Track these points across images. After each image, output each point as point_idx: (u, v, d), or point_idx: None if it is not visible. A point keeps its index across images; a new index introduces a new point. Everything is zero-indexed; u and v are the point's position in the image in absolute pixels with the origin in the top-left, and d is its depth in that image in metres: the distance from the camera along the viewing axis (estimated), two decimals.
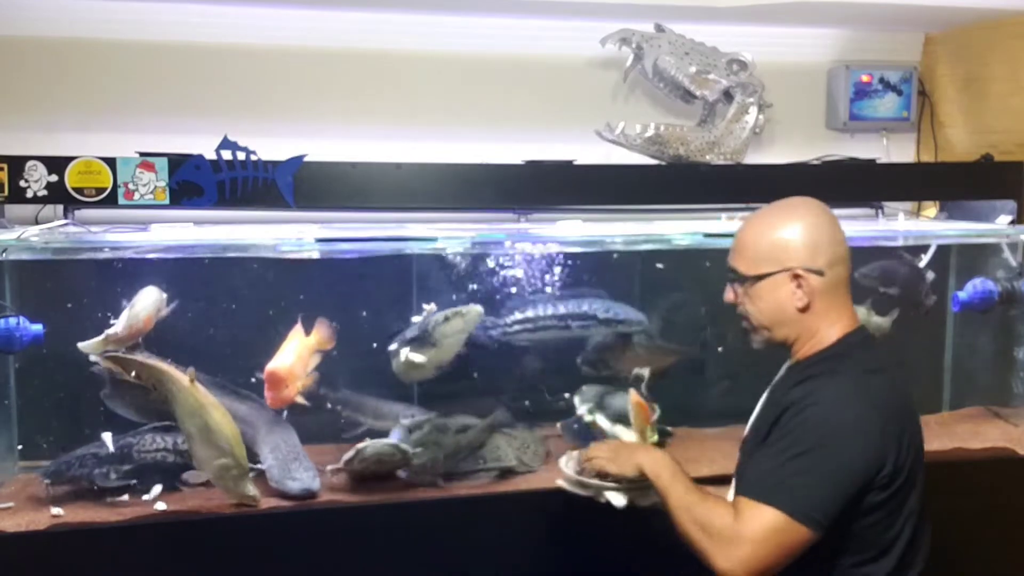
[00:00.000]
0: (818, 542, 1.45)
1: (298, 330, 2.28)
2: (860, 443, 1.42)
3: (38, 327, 2.14)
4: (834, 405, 1.45)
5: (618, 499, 1.76)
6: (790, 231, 1.53)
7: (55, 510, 2.06)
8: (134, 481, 2.16)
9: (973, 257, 2.84)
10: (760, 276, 1.55)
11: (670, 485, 1.56)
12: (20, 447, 2.38)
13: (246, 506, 2.09)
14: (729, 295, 1.63)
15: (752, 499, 1.42)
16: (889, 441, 1.45)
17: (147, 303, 2.21)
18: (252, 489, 2.09)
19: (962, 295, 2.64)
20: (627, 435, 2.03)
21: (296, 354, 2.23)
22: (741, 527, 1.41)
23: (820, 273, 1.52)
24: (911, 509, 1.51)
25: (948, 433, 2.66)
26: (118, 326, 2.15)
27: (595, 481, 1.78)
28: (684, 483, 1.56)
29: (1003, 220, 2.66)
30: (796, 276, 1.52)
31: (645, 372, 2.49)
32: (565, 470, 1.91)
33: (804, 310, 1.54)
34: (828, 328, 1.55)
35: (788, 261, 1.52)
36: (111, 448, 2.15)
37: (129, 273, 2.37)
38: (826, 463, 1.41)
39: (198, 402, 2.04)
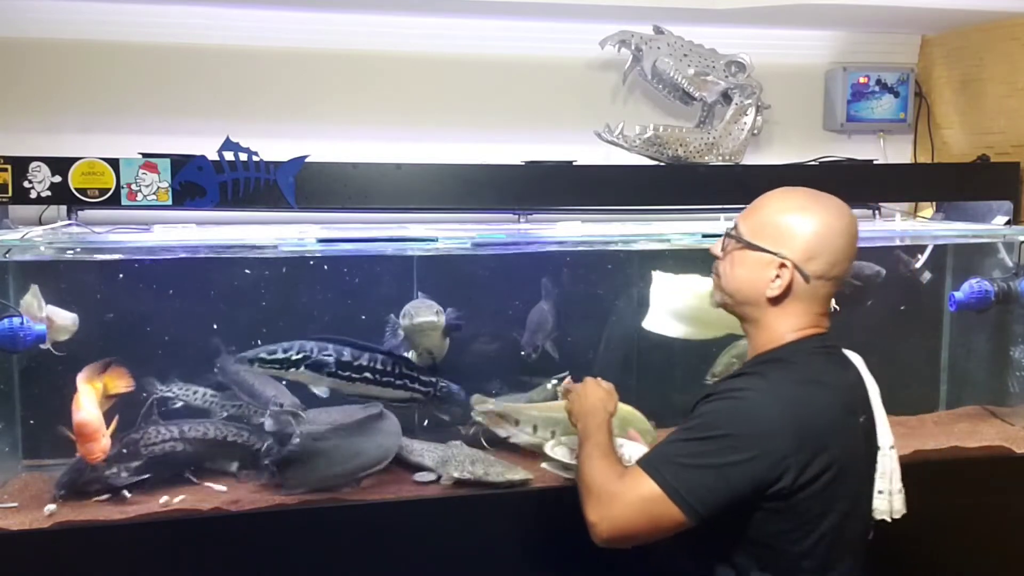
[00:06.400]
0: (727, 546, 1.46)
1: (84, 380, 2.15)
2: (763, 448, 1.37)
3: (41, 327, 2.15)
4: (752, 404, 1.41)
5: None
6: (805, 225, 1.48)
7: (48, 508, 2.07)
8: (146, 476, 2.19)
9: (969, 257, 2.85)
10: (752, 245, 1.50)
11: (585, 438, 1.63)
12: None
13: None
14: (716, 248, 1.60)
15: (642, 468, 1.42)
16: (798, 455, 1.39)
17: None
18: None
19: (958, 295, 2.66)
20: None
21: (96, 403, 2.12)
22: (620, 488, 1.42)
23: (805, 278, 1.48)
24: (827, 530, 1.44)
25: (945, 432, 2.68)
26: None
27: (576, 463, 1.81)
28: (598, 441, 1.59)
29: (999, 220, 2.68)
30: (782, 265, 1.47)
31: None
32: (551, 454, 1.92)
33: (772, 302, 1.50)
34: (787, 331, 1.51)
35: (784, 248, 1.48)
36: None
37: (132, 273, 2.39)
38: (722, 455, 1.38)
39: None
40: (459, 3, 2.52)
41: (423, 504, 2.20)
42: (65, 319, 2.22)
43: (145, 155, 2.15)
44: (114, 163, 2.12)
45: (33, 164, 2.10)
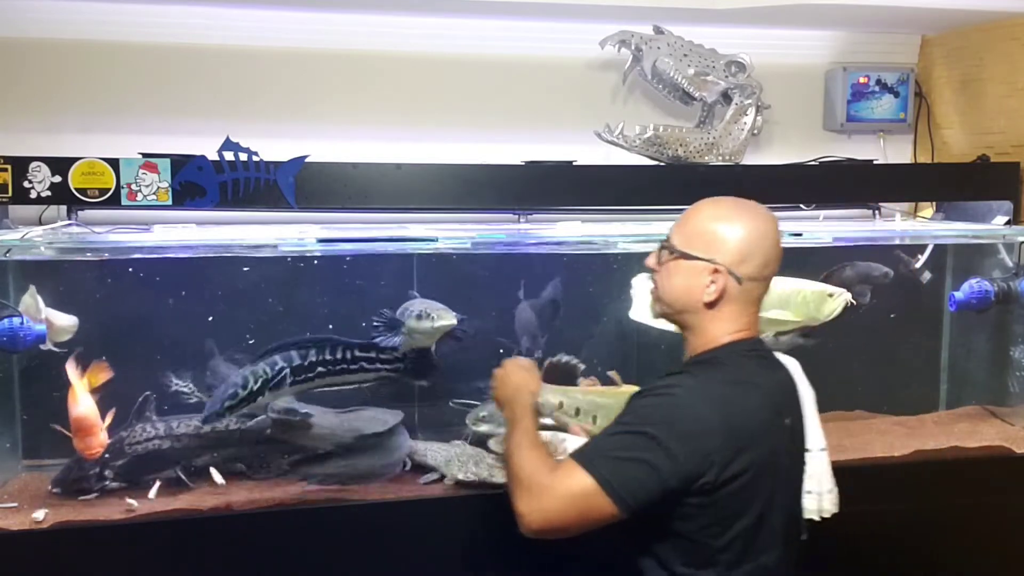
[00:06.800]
0: (652, 540, 1.50)
1: (74, 373, 2.17)
2: (691, 444, 1.42)
3: (41, 327, 2.16)
4: (682, 401, 1.47)
5: None
6: (734, 230, 1.53)
7: (37, 514, 2.06)
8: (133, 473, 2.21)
9: (969, 257, 2.86)
10: (687, 255, 1.55)
11: (512, 426, 1.62)
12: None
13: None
14: (651, 260, 1.64)
15: (576, 461, 1.45)
16: (723, 452, 1.44)
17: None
18: None
19: (958, 295, 2.66)
20: None
21: (91, 398, 2.15)
22: (554, 481, 1.44)
23: (738, 280, 1.53)
24: (745, 526, 1.48)
25: (945, 432, 2.68)
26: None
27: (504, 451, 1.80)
28: (525, 428, 1.60)
29: (999, 220, 2.68)
30: (716, 271, 1.52)
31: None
32: (495, 448, 1.90)
33: (709, 306, 1.54)
34: (722, 334, 1.56)
35: (717, 255, 1.53)
36: None
37: (132, 273, 2.40)
38: (654, 451, 1.42)
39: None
40: (459, 3, 2.52)
41: (424, 504, 2.20)
42: (64, 321, 2.22)
43: (145, 155, 2.15)
44: (114, 163, 2.12)
45: (33, 164, 2.09)
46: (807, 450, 1.65)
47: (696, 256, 1.54)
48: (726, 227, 1.54)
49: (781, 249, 1.58)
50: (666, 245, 1.60)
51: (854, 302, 2.43)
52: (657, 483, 1.42)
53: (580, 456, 1.46)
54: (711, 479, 1.43)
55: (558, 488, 1.43)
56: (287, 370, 2.17)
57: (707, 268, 1.53)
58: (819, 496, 1.67)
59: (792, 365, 1.68)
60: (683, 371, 1.55)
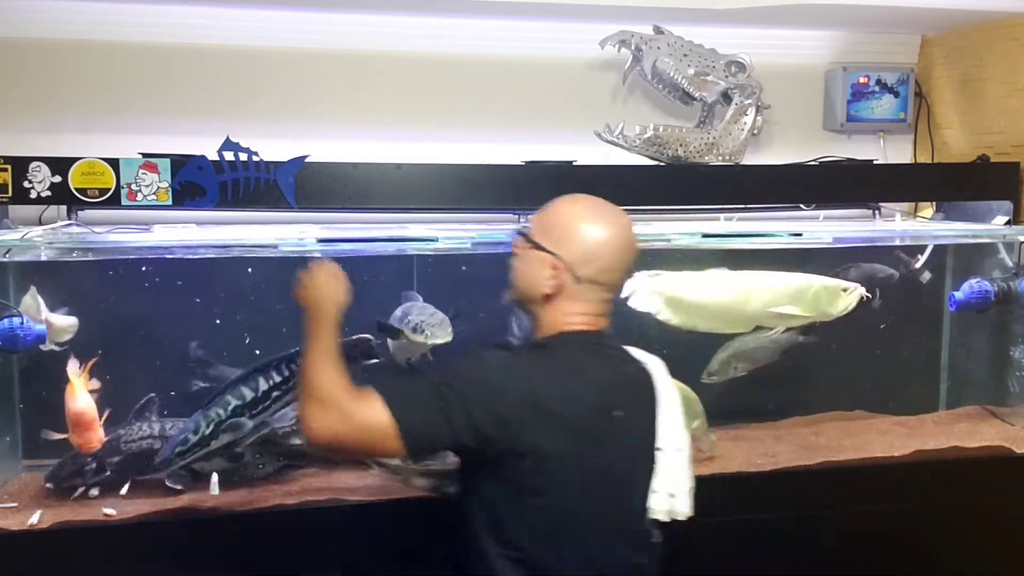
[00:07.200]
0: (469, 510, 1.56)
1: (74, 371, 2.17)
2: (488, 407, 1.47)
3: (41, 327, 2.16)
4: (494, 368, 1.54)
5: (421, 482, 1.91)
6: (586, 231, 1.58)
7: (32, 519, 2.05)
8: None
9: (969, 257, 2.86)
10: (537, 245, 1.60)
11: (313, 338, 1.61)
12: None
13: None
14: (514, 243, 1.68)
15: (380, 394, 1.49)
16: (519, 424, 1.48)
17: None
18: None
19: (958, 295, 2.66)
20: None
21: (87, 394, 2.15)
22: (352, 407, 1.48)
23: (576, 279, 1.57)
24: (542, 508, 1.51)
25: (945, 432, 2.69)
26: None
27: (403, 465, 1.92)
28: (327, 346, 1.59)
29: (999, 220, 2.68)
30: (555, 267, 1.57)
31: None
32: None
33: (547, 298, 1.59)
34: (558, 325, 1.60)
35: (562, 251, 1.58)
36: None
37: (131, 274, 2.40)
38: (452, 404, 1.47)
39: None
40: (459, 3, 2.52)
41: (425, 503, 2.19)
42: (64, 322, 2.22)
43: (145, 155, 2.14)
44: (114, 163, 2.12)
45: (33, 164, 2.09)
46: (658, 448, 1.63)
47: (544, 248, 1.59)
48: (580, 226, 1.59)
49: (630, 260, 1.64)
50: (524, 232, 1.65)
51: (868, 297, 2.42)
52: (448, 435, 1.47)
53: (383, 391, 1.50)
54: (504, 447, 1.48)
55: (355, 415, 1.48)
56: (241, 407, 2.15)
57: (549, 261, 1.58)
58: (671, 497, 1.63)
59: (653, 363, 1.70)
60: (510, 347, 1.63)
